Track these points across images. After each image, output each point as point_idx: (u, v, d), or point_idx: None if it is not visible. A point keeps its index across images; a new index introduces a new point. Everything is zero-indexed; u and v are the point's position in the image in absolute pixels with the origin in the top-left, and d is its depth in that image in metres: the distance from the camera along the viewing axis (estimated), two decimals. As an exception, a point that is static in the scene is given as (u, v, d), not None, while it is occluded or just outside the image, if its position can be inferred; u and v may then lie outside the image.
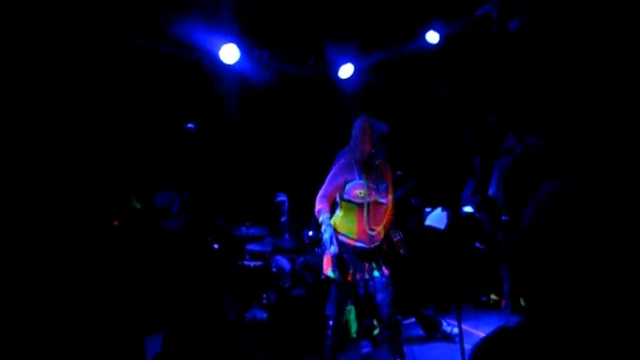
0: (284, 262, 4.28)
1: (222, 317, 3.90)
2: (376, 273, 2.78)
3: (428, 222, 2.91)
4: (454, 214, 2.76)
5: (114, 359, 2.81)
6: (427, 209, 4.75)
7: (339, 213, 2.85)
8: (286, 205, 4.63)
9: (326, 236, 2.69)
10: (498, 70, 4.78)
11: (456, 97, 5.57)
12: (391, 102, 5.52)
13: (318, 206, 2.77)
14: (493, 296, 4.36)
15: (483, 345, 0.94)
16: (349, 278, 2.75)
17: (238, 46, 4.35)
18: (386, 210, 2.86)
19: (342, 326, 2.93)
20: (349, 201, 2.77)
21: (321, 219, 2.73)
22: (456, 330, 3.68)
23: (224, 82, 4.47)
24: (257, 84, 4.66)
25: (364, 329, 3.65)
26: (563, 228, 0.84)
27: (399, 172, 4.84)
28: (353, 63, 5.11)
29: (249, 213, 4.37)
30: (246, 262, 4.09)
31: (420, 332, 3.81)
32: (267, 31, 4.66)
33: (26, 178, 2.83)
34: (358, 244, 2.77)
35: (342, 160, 2.86)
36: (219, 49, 4.26)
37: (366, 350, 3.47)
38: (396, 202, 3.83)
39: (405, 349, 2.92)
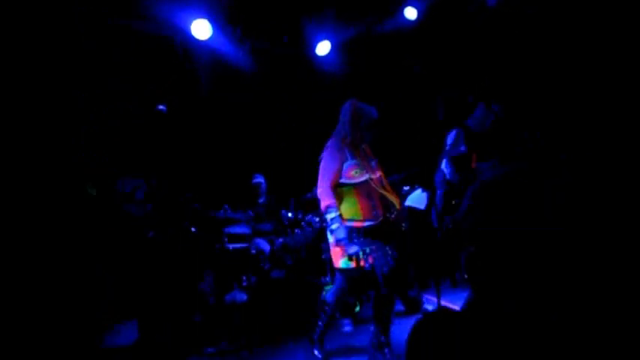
0: (263, 244, 4.26)
1: (202, 300, 3.87)
2: (388, 250, 2.74)
3: (408, 202, 2.92)
4: (433, 194, 2.77)
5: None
6: (405, 188, 4.79)
7: (338, 202, 2.78)
8: (264, 186, 4.57)
9: (341, 235, 2.65)
10: (476, 47, 4.77)
11: (432, 73, 5.55)
12: (369, 80, 5.46)
13: (326, 202, 2.72)
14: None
15: (421, 323, 0.97)
16: (370, 260, 2.69)
17: (210, 22, 4.18)
18: (382, 184, 2.87)
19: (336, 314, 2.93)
20: (345, 184, 2.74)
21: (331, 216, 2.69)
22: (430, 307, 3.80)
23: (197, 59, 4.30)
24: (231, 61, 4.51)
25: (345, 308, 3.70)
26: (493, 223, 0.86)
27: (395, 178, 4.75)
28: (330, 40, 5.00)
29: (227, 195, 4.29)
30: (225, 245, 4.05)
31: (401, 308, 3.89)
32: (240, 6, 4.49)
33: (22, 177, 2.74)
34: (366, 223, 2.73)
35: (331, 146, 2.82)
36: (190, 24, 4.09)
37: (347, 329, 3.52)
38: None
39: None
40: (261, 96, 4.98)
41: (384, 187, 2.87)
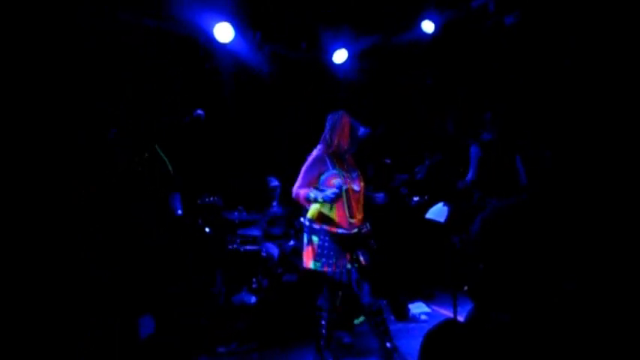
0: (272, 248, 4.29)
1: (211, 300, 3.90)
2: (356, 263, 2.84)
3: (429, 215, 2.96)
4: (455, 208, 2.81)
5: (109, 340, 2.81)
6: (415, 198, 4.85)
7: (316, 205, 2.88)
8: (279, 190, 4.61)
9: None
10: (491, 62, 4.84)
11: (444, 86, 5.62)
12: (384, 89, 5.53)
13: (302, 191, 2.84)
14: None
15: (434, 332, 1.08)
16: (332, 268, 2.80)
17: (232, 26, 4.25)
18: (360, 197, 2.95)
19: (335, 318, 2.98)
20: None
21: (311, 195, 2.78)
22: (424, 316, 3.95)
23: (219, 61, 4.36)
24: (251, 65, 4.57)
25: (342, 320, 3.66)
26: (503, 242, 0.98)
27: (387, 161, 4.90)
28: (347, 49, 5.06)
29: (242, 197, 4.33)
30: (236, 246, 4.08)
31: (390, 316, 3.94)
32: (261, 12, 4.56)
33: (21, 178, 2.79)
34: (340, 230, 2.83)
35: (314, 154, 2.91)
36: (213, 27, 4.15)
37: (346, 340, 3.49)
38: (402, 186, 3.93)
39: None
40: (279, 100, 5.03)
41: (359, 201, 2.92)
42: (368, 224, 3.00)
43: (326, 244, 2.81)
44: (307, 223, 2.92)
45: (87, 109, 3.11)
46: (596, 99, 3.68)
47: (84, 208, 2.99)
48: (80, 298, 2.89)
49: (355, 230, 2.86)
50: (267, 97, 4.94)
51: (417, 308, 4.11)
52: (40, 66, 2.95)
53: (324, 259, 2.81)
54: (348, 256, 2.83)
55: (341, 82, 5.37)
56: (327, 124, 2.96)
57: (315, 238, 2.84)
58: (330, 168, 2.83)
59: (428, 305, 4.23)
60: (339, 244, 2.81)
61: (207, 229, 3.89)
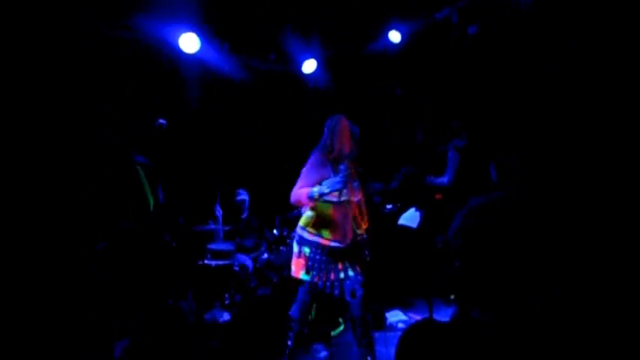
0: (246, 260, 4.18)
1: (181, 319, 3.74)
2: (351, 272, 2.75)
3: (401, 221, 2.94)
4: (428, 213, 2.81)
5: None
6: (388, 206, 4.86)
7: (310, 213, 2.77)
8: (247, 202, 4.53)
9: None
10: (456, 71, 4.95)
11: (412, 96, 5.71)
12: (353, 99, 5.57)
13: (299, 192, 2.65)
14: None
15: (410, 332, 1.05)
16: (323, 280, 2.70)
17: (199, 36, 4.18)
18: (359, 207, 2.86)
19: (305, 330, 2.88)
20: (324, 200, 2.71)
21: (314, 190, 2.60)
22: (401, 324, 3.92)
23: (185, 73, 4.27)
24: (219, 75, 4.50)
25: (319, 331, 3.55)
26: (482, 240, 0.96)
27: (359, 169, 4.89)
28: (316, 59, 5.08)
29: (210, 210, 4.21)
30: (207, 262, 3.95)
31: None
32: (228, 22, 4.52)
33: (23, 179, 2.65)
34: (332, 243, 2.72)
35: (315, 158, 2.78)
36: (179, 38, 4.07)
37: (322, 354, 3.38)
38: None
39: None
40: (248, 111, 4.97)
41: (360, 211, 2.86)
42: (365, 234, 2.88)
43: (317, 256, 2.70)
44: (299, 232, 2.79)
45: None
46: (563, 103, 3.80)
47: (84, 208, 2.86)
48: (80, 298, 2.76)
49: (349, 242, 2.75)
50: (236, 109, 4.88)
51: (394, 316, 4.09)
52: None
53: (314, 272, 2.70)
54: (340, 267, 2.72)
55: (311, 91, 5.38)
56: (325, 129, 2.82)
57: (306, 250, 2.72)
58: (332, 175, 2.69)
59: (405, 313, 4.21)
60: (331, 257, 2.71)
61: (174, 244, 3.75)
